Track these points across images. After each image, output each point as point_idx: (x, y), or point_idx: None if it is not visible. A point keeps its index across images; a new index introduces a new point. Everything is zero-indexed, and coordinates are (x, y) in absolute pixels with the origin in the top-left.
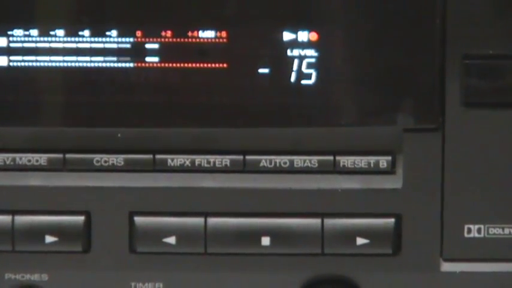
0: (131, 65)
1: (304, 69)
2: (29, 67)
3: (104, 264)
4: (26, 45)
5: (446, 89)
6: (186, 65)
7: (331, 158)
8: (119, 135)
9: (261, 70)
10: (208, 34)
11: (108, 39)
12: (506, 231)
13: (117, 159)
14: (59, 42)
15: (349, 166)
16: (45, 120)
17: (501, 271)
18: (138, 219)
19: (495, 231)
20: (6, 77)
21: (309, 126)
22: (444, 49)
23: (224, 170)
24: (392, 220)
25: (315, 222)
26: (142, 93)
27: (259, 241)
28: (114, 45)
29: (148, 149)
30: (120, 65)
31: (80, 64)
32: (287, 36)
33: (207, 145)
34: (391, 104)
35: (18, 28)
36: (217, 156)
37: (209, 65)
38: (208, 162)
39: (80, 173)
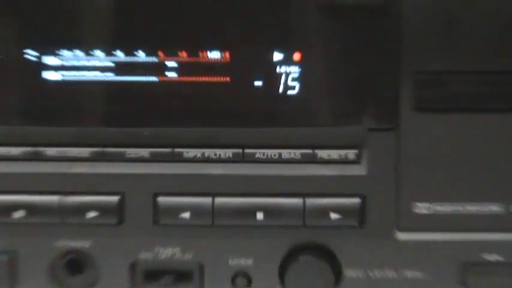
0: (155, 78)
1: (289, 82)
2: (76, 80)
3: (134, 233)
4: (73, 63)
5: (401, 97)
6: (197, 78)
7: (311, 151)
8: (146, 133)
9: (256, 83)
10: (215, 55)
11: (136, 58)
12: (447, 208)
13: (144, 152)
14: (99, 60)
15: (325, 157)
16: (89, 122)
17: (443, 239)
18: (160, 199)
19: (438, 208)
20: (59, 88)
21: (293, 127)
22: (399, 66)
23: (227, 161)
24: (358, 200)
25: (298, 201)
26: (164, 100)
27: (255, 215)
28: (141, 63)
29: (169, 144)
30: (146, 78)
31: (115, 78)
32: (277, 56)
33: (214, 141)
34: (358, 109)
35: (67, 50)
36: (222, 150)
37: (215, 78)
38: (215, 155)
39: (115, 162)
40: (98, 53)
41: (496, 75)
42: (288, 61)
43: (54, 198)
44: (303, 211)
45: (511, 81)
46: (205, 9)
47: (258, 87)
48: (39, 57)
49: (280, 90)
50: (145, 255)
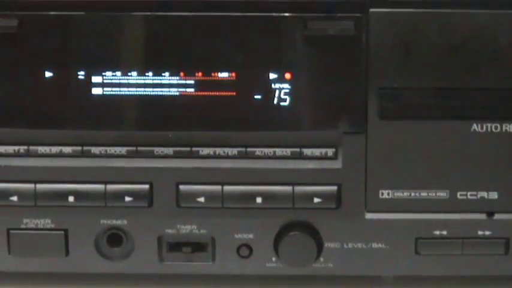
0: (177, 93)
1: (282, 96)
2: (116, 95)
3: (161, 214)
4: (113, 81)
5: (369, 107)
6: (210, 93)
7: (298, 149)
8: (170, 135)
9: (256, 96)
10: (224, 75)
11: (163, 77)
12: (405, 194)
13: (169, 150)
14: (133, 79)
15: (309, 154)
16: (125, 127)
17: (401, 218)
18: (181, 187)
19: (397, 194)
20: (103, 101)
21: (285, 130)
22: (367, 84)
23: (233, 157)
24: (335, 187)
25: (289, 188)
26: (184, 110)
27: (255, 200)
28: (167, 81)
29: (188, 144)
30: (170, 93)
31: (146, 93)
32: (272, 76)
33: (223, 142)
34: (335, 117)
35: (109, 71)
36: (229, 149)
37: (224, 93)
38: (224, 152)
39: (146, 158)
40: (133, 73)
41: (442, 91)
42: (280, 80)
43: (98, 187)
44: (293, 196)
45: (453, 96)
46: (217, 41)
47: (257, 100)
48: (88, 77)
49: (275, 102)
50: (169, 231)
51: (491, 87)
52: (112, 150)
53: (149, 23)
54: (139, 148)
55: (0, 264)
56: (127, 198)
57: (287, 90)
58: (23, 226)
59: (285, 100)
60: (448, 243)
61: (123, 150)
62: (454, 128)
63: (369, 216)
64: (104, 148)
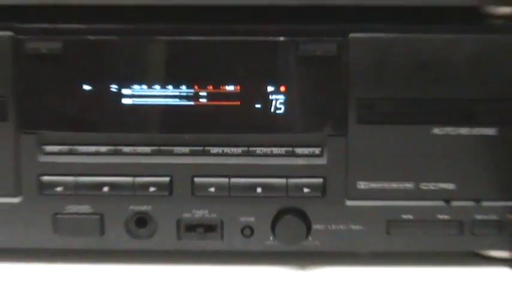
0: (193, 103)
1: (278, 105)
2: (143, 104)
3: (179, 201)
4: (140, 93)
5: (349, 114)
6: (219, 103)
7: (291, 148)
8: (186, 137)
9: (256, 105)
10: (231, 87)
11: (181, 90)
12: (378, 185)
13: (185, 149)
14: (156, 91)
15: (300, 153)
16: (150, 130)
17: (375, 205)
18: (196, 179)
19: (372, 185)
20: (131, 109)
21: (280, 133)
22: (347, 95)
23: (238, 155)
24: (321, 180)
25: (284, 180)
26: (198, 117)
27: (256, 190)
28: (184, 93)
29: (201, 144)
30: (187, 103)
31: (167, 102)
32: (270, 88)
33: (230, 142)
34: (321, 122)
35: (137, 84)
36: (235, 148)
37: (231, 103)
38: (231, 151)
39: (167, 156)
40: (156, 86)
41: (409, 101)
42: (277, 92)
43: (128, 179)
44: (286, 187)
45: (418, 105)
46: (224, 60)
47: (258, 108)
48: (120, 90)
49: (272, 110)
50: (186, 215)
51: (448, 97)
52: (139, 149)
53: (170, 46)
54: (161, 147)
55: (47, 242)
56: (151, 189)
57: (282, 101)
58: (66, 211)
59: (280, 108)
60: (413, 225)
61: (148, 149)
62: (418, 131)
63: (348, 203)
64: (132, 148)
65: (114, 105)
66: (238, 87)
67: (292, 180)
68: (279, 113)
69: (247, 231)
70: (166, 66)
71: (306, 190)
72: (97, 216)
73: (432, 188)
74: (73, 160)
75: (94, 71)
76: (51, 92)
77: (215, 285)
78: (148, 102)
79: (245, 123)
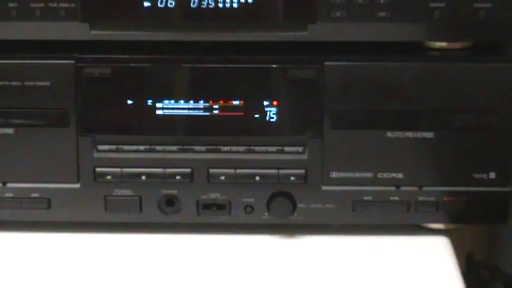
0: (208, 114)
1: (271, 115)
2: (171, 114)
3: (198, 186)
4: (169, 106)
5: (324, 122)
6: (228, 113)
7: (281, 147)
8: (204, 139)
9: (256, 116)
10: (237, 102)
11: (199, 104)
12: (346, 175)
13: (203, 148)
14: (181, 105)
15: (288, 151)
16: (177, 133)
17: (342, 190)
18: (211, 170)
19: (341, 174)
20: (162, 118)
21: (273, 136)
22: (323, 108)
23: (242, 152)
24: (303, 170)
25: (276, 171)
26: (212, 124)
27: (255, 178)
28: (202, 106)
29: (215, 144)
30: (204, 114)
31: (190, 114)
32: (266, 103)
33: (236, 143)
34: (303, 128)
35: (167, 100)
36: (240, 147)
37: (236, 113)
38: (237, 149)
39: (189, 153)
40: (181, 101)
41: (370, 112)
42: (271, 105)
43: (160, 170)
44: (278, 176)
45: (377, 114)
46: (232, 82)
47: (257, 118)
48: (154, 103)
49: (267, 119)
50: (202, 197)
51: (398, 109)
52: (168, 148)
53: (191, 71)
54: (185, 147)
55: (100, 217)
56: (177, 177)
57: (275, 112)
58: (114, 194)
59: (273, 118)
60: (372, 204)
61: (174, 148)
62: (376, 135)
63: (324, 188)
64: (163, 147)
65: (149, 115)
66: (242, 102)
67: (282, 171)
68: (273, 121)
69: (249, 208)
70: (189, 86)
71: (292, 178)
72: (137, 198)
73: (386, 176)
74: (119, 156)
75: (135, 89)
76: (103, 105)
77: (226, 248)
78: (175, 113)
79: (247, 129)
